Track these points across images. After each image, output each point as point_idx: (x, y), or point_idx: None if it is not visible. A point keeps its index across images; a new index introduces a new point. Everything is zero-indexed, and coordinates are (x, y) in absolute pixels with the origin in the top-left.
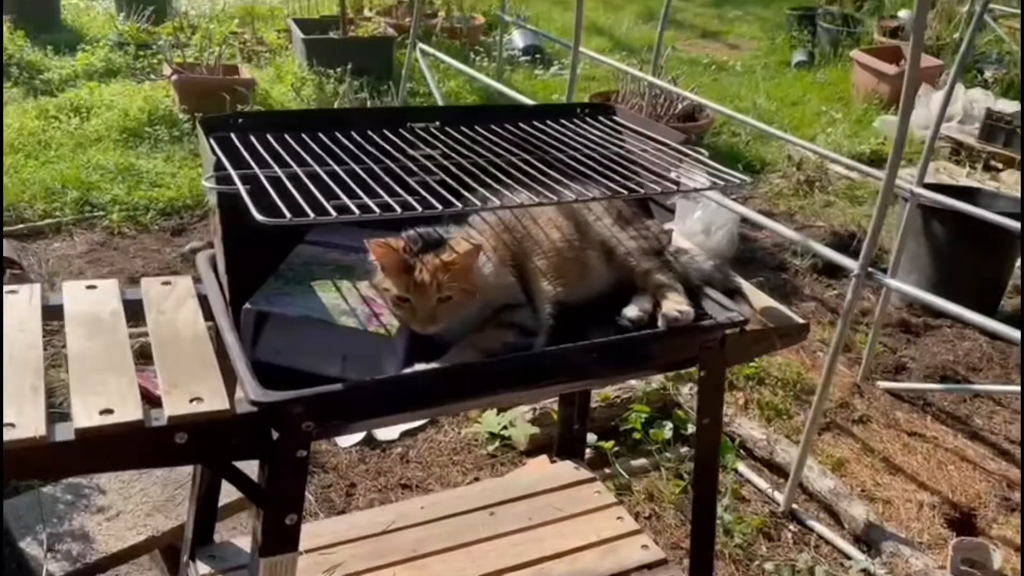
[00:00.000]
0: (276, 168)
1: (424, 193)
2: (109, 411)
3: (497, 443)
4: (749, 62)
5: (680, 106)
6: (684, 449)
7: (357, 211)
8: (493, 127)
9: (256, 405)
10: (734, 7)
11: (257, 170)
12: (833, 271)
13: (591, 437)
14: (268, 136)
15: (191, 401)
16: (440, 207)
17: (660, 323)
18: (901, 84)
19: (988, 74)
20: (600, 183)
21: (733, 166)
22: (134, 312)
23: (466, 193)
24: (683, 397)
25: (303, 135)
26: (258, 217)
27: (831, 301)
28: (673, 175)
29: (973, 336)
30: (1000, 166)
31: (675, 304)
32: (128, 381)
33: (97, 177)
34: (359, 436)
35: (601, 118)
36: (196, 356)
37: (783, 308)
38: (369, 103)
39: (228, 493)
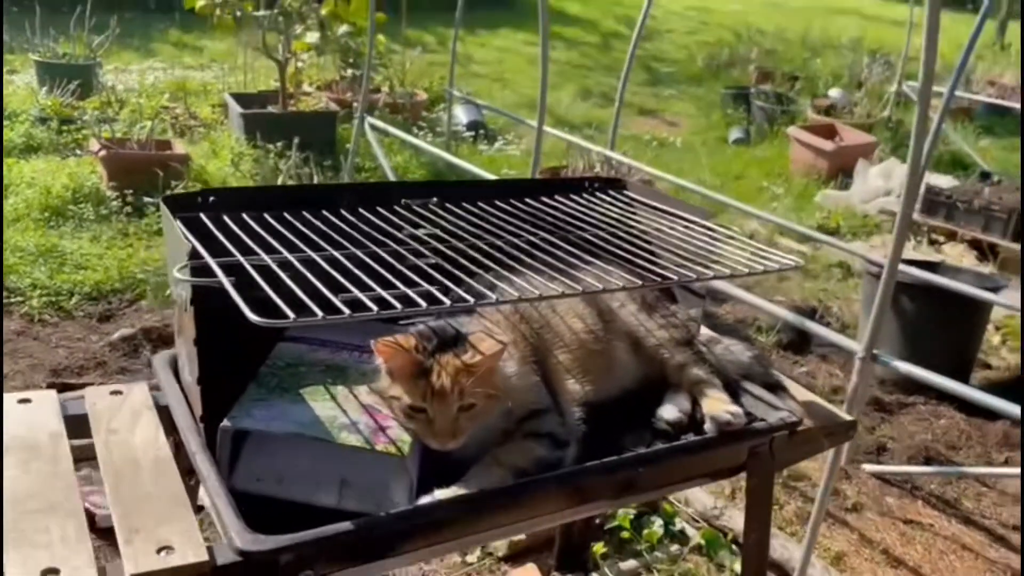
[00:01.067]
0: (262, 254)
1: (444, 281)
2: (53, 571)
3: (475, 552)
4: (688, 138)
5: (635, 179)
6: (675, 547)
7: (375, 307)
8: (497, 203)
9: (244, 556)
10: (667, 86)
11: (240, 257)
12: (799, 347)
13: None
14: (244, 216)
15: (159, 552)
16: (471, 300)
17: (708, 427)
18: (839, 160)
19: None
20: (625, 266)
21: None
22: (77, 429)
23: (478, 282)
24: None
25: (285, 214)
26: (253, 318)
27: (800, 378)
28: (710, 255)
29: (948, 413)
30: (942, 239)
31: (721, 404)
32: (76, 525)
33: (15, 260)
34: None
35: (612, 192)
36: (160, 488)
37: (827, 404)
38: (315, 178)
39: None
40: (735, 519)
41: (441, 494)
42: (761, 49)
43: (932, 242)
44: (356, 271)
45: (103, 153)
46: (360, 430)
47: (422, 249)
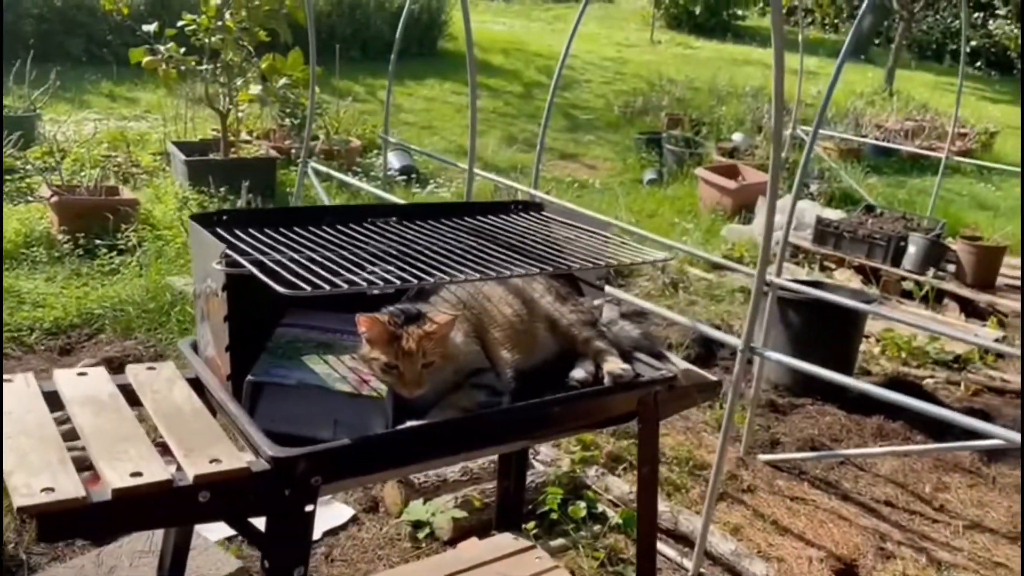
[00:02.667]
0: (275, 253)
1: (410, 271)
2: (138, 473)
3: (423, 532)
4: (606, 180)
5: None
6: (597, 527)
7: (364, 283)
8: (442, 220)
9: (273, 462)
10: (586, 132)
11: (259, 256)
12: (705, 359)
13: None
14: (252, 230)
15: (211, 462)
16: (431, 279)
17: (606, 380)
18: (741, 197)
19: (813, 188)
20: (543, 264)
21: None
22: (127, 395)
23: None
24: (590, 478)
25: (281, 228)
26: (280, 290)
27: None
28: (602, 255)
29: (832, 411)
30: (832, 266)
31: (616, 364)
32: (147, 448)
33: None
34: None
35: (532, 213)
36: (202, 425)
37: (699, 369)
38: None
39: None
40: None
41: (412, 423)
42: (672, 97)
43: (823, 268)
44: (346, 263)
45: (55, 199)
46: (350, 382)
47: (391, 250)
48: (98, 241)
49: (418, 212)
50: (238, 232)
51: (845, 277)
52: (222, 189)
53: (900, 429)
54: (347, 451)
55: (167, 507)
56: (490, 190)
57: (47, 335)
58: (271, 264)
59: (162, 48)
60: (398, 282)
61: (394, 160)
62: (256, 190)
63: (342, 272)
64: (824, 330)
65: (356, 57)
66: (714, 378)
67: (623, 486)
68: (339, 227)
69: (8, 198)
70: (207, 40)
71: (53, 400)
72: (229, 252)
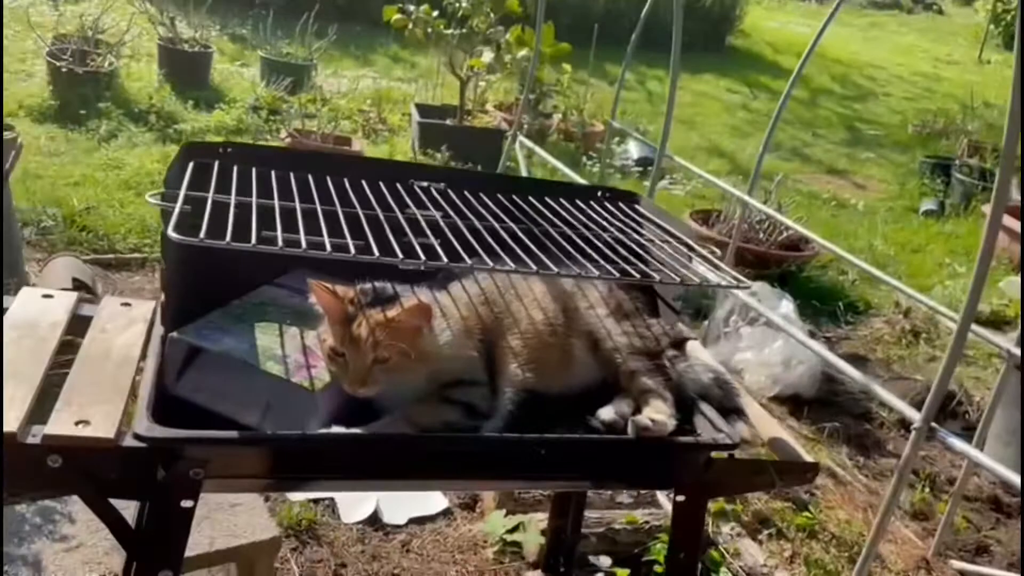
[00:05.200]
0: (232, 196)
1: (409, 246)
2: None
3: (504, 547)
4: (873, 203)
5: (785, 234)
6: None
7: (280, 243)
8: (499, 197)
9: (141, 440)
10: (867, 148)
11: (209, 195)
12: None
13: (605, 561)
14: (252, 169)
15: (77, 424)
16: (400, 257)
17: (629, 430)
18: None
19: None
20: (599, 266)
21: (833, 304)
22: (80, 328)
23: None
24: (722, 536)
25: (290, 174)
26: (170, 233)
27: (918, 462)
28: (678, 269)
29: None
30: None
31: (655, 412)
32: (26, 391)
33: None
34: (365, 512)
35: (621, 204)
36: (111, 379)
37: (792, 441)
38: None
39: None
40: None
41: (336, 430)
42: (983, 122)
43: None
44: (319, 223)
45: (288, 140)
46: (287, 363)
47: (400, 217)
48: None
49: (472, 183)
50: (233, 169)
51: None
52: (446, 153)
53: None
54: (233, 446)
55: (10, 465)
56: (713, 195)
57: None
58: (211, 206)
59: (412, 8)
60: (328, 248)
61: (634, 150)
62: (477, 160)
63: (313, 233)
64: None
65: (624, 40)
66: (809, 459)
67: (758, 555)
68: (364, 184)
69: (260, 136)
70: (459, 5)
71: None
72: (175, 183)
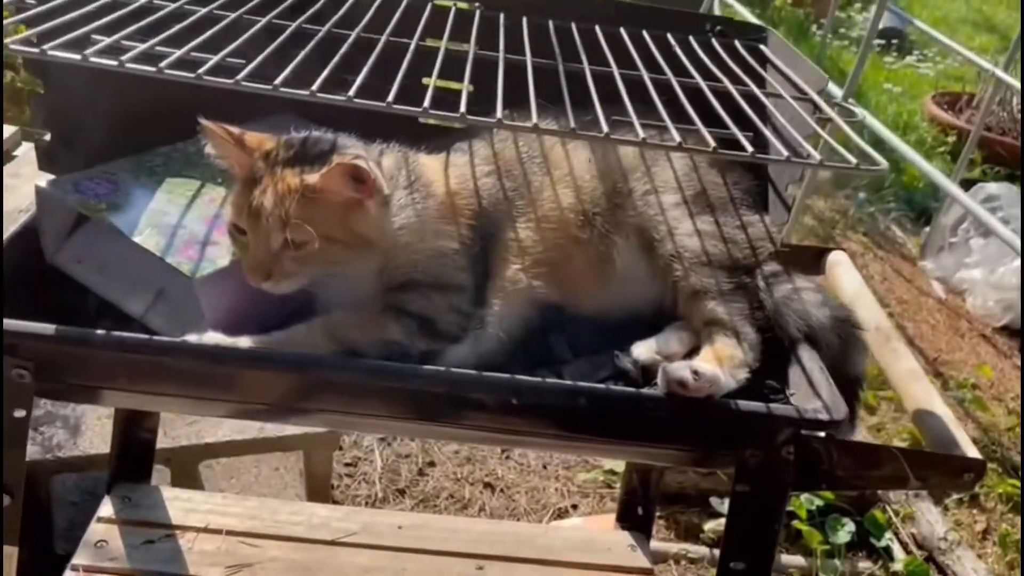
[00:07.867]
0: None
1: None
2: None
3: (611, 475)
4: None
5: None
6: (864, 564)
7: (195, 69)
8: (555, 23)
9: None
10: None
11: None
12: None
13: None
14: None
15: None
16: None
17: (659, 381)
18: None
19: None
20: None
21: None
22: None
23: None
24: (895, 493)
25: None
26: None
27: None
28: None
29: None
30: None
31: (705, 359)
32: None
33: None
34: None
35: (739, 42)
36: None
37: (957, 430)
38: None
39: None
40: (966, 564)
41: (210, 337)
42: None
43: None
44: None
45: None
46: (173, 235)
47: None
48: None
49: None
50: None
51: None
52: None
53: None
54: (57, 344)
55: None
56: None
57: None
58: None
59: None
60: (257, 83)
61: (884, 19)
62: None
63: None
64: None
65: None
66: (972, 453)
67: (938, 525)
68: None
69: None
70: None
71: None
72: None
